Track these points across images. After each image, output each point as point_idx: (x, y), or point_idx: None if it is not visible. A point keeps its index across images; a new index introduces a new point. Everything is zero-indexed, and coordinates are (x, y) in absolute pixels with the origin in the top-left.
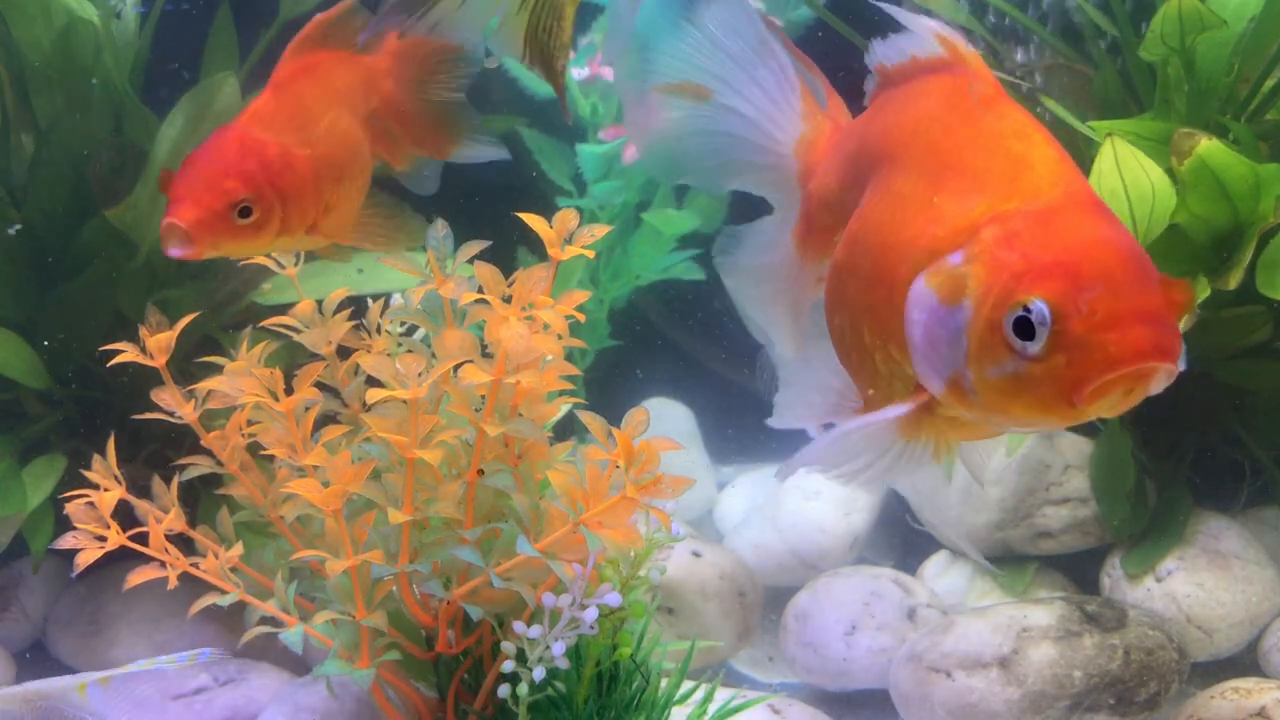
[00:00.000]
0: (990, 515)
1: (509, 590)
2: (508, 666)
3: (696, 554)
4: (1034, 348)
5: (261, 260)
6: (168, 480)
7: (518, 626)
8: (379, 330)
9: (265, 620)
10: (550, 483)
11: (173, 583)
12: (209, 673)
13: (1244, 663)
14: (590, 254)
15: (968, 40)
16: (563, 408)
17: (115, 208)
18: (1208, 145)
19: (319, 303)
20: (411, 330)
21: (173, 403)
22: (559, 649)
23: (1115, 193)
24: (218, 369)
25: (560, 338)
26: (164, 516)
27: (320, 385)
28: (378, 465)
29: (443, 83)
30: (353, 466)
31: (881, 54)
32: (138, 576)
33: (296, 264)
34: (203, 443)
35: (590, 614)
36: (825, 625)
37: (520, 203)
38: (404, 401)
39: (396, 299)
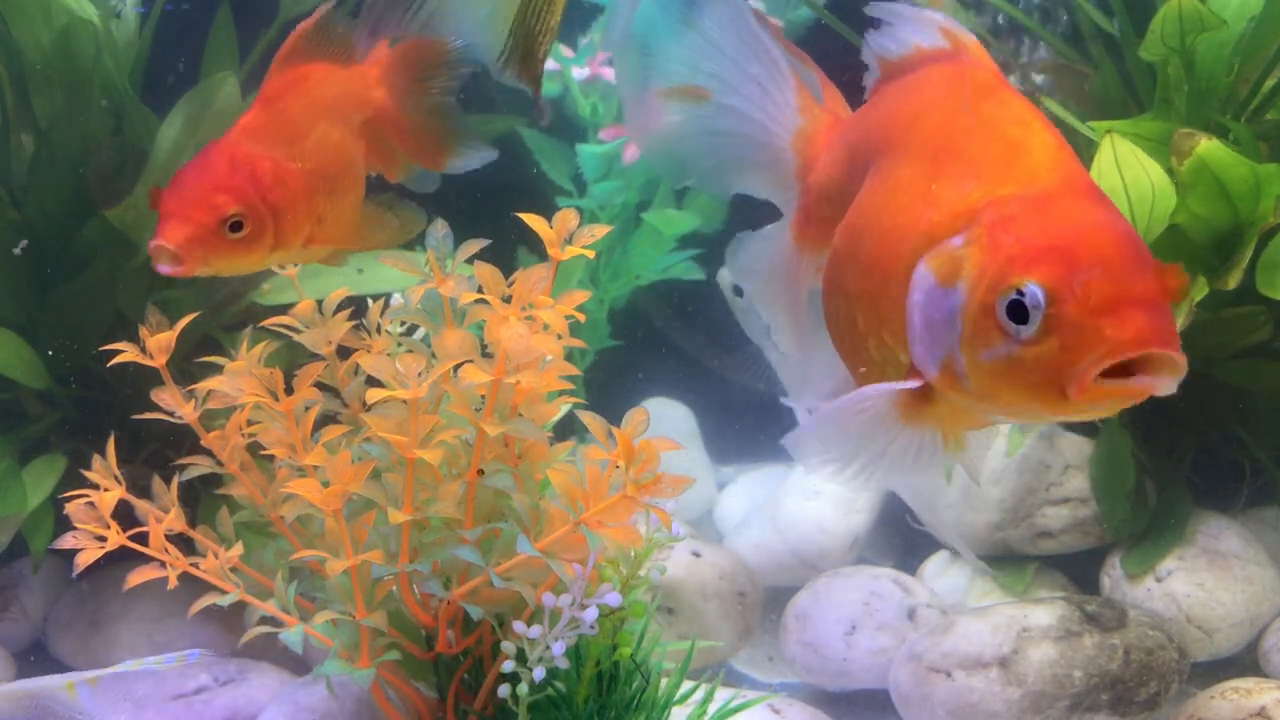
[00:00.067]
0: (990, 515)
1: (509, 590)
2: (508, 666)
3: (696, 554)
4: (1027, 331)
5: None
6: (168, 480)
7: (518, 626)
8: (379, 330)
9: (265, 620)
10: (550, 483)
11: (173, 583)
12: (209, 673)
13: (1244, 663)
14: (590, 254)
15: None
16: (563, 408)
17: (115, 208)
18: (1208, 145)
19: (319, 303)
20: (411, 330)
21: (173, 403)
22: (559, 649)
23: (1115, 191)
24: (218, 369)
25: (560, 338)
26: (164, 516)
27: (320, 385)
28: (378, 465)
29: (434, 88)
30: (353, 466)
31: (883, 46)
32: (138, 576)
33: (296, 264)
34: (203, 443)
35: (590, 614)
36: (825, 625)
37: (520, 203)
38: (404, 401)
39: (396, 299)
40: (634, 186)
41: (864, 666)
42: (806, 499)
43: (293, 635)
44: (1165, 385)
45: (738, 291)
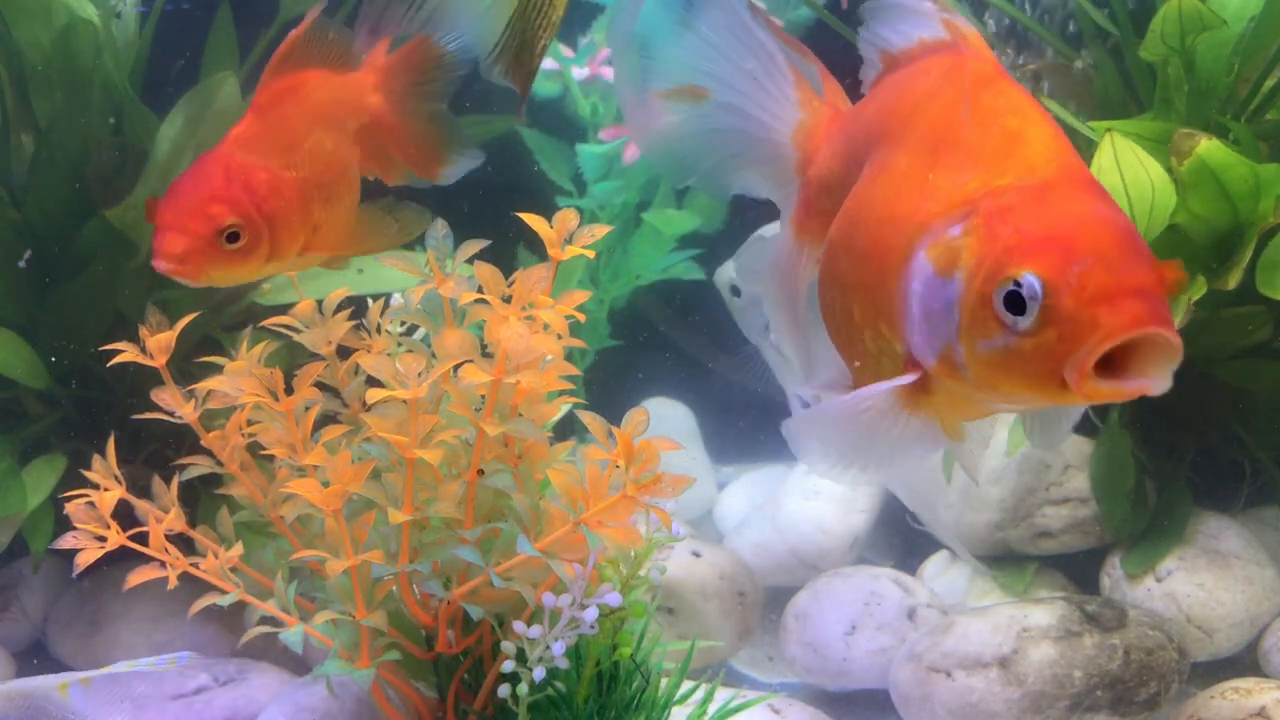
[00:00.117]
0: (990, 515)
1: (509, 590)
2: (508, 666)
3: (696, 554)
4: (1024, 322)
5: None
6: (168, 480)
7: (518, 626)
8: (379, 330)
9: (265, 620)
10: (550, 482)
11: (173, 583)
12: (209, 673)
13: (1244, 663)
14: (590, 254)
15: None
16: (563, 408)
17: (115, 208)
18: (1208, 145)
19: (319, 303)
20: (411, 330)
21: (173, 403)
22: (559, 649)
23: (1115, 190)
24: (218, 369)
25: (560, 338)
26: (164, 516)
27: (320, 385)
28: (378, 465)
29: (431, 94)
30: (353, 466)
31: (884, 39)
32: (138, 576)
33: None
34: (203, 443)
35: (590, 614)
36: (825, 625)
37: (520, 203)
38: (404, 401)
39: (396, 299)
40: (634, 186)
41: (864, 666)
42: (806, 499)
43: (293, 635)
44: (1160, 383)
45: (735, 291)
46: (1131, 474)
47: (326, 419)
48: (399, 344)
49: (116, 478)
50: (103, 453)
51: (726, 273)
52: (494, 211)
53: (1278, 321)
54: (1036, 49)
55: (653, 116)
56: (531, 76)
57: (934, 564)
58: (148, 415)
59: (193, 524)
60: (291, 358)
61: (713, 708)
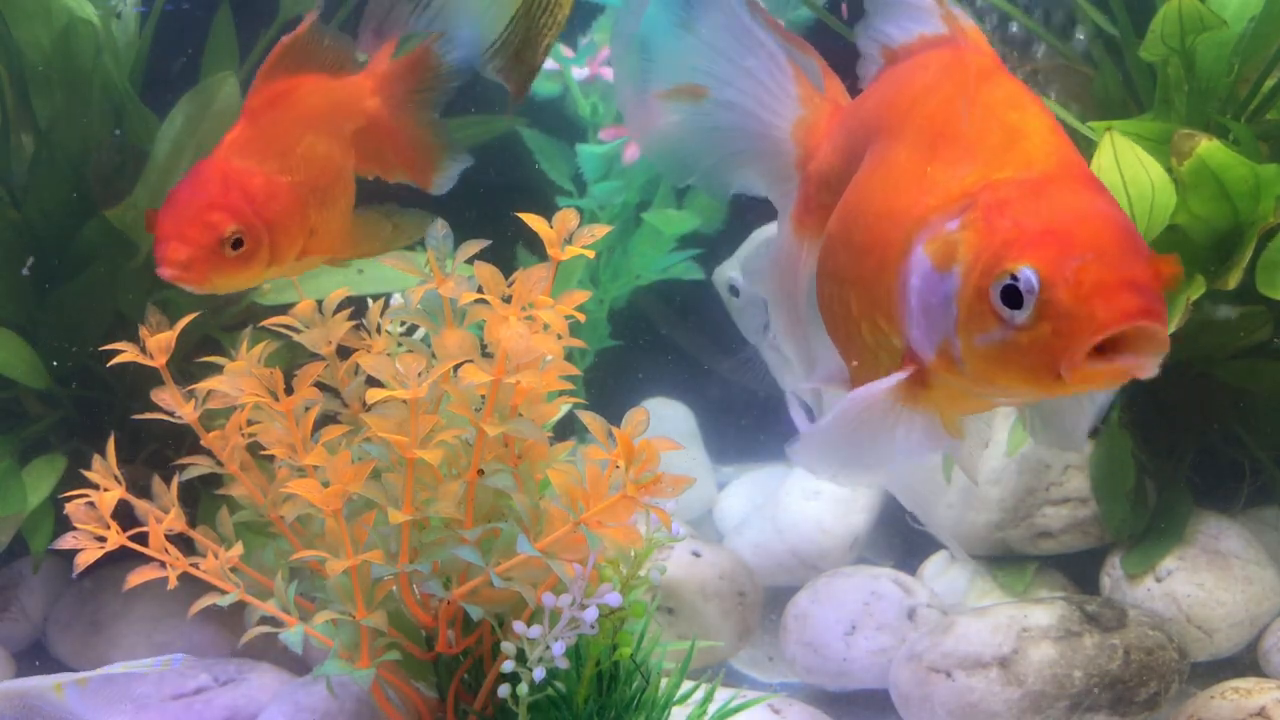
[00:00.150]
0: (990, 515)
1: (509, 590)
2: (508, 666)
3: (696, 554)
4: (1021, 316)
5: None
6: (168, 480)
7: (518, 626)
8: (379, 330)
9: (265, 620)
10: (550, 482)
11: (173, 583)
12: (209, 673)
13: (1244, 663)
14: (590, 254)
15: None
16: (563, 408)
17: (115, 208)
18: (1208, 146)
19: (319, 303)
20: (411, 330)
21: (173, 403)
22: (559, 649)
23: (1114, 189)
24: (218, 369)
25: (560, 338)
26: (164, 516)
27: (320, 385)
28: (378, 465)
29: (427, 102)
30: (353, 466)
31: (885, 34)
32: (138, 576)
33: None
34: (203, 443)
35: (590, 614)
36: (825, 625)
37: (520, 203)
38: (404, 401)
39: (396, 299)
40: (634, 186)
41: (864, 666)
42: (806, 499)
43: (293, 635)
44: (1149, 365)
45: (733, 291)
46: (1131, 474)
47: (326, 419)
48: (399, 344)
49: (116, 478)
50: (103, 453)
51: (724, 272)
52: (494, 211)
53: (1278, 321)
54: (1030, 49)
55: (653, 117)
56: (534, 74)
57: (934, 564)
58: (148, 415)
59: (193, 524)
60: (291, 358)
61: (713, 708)
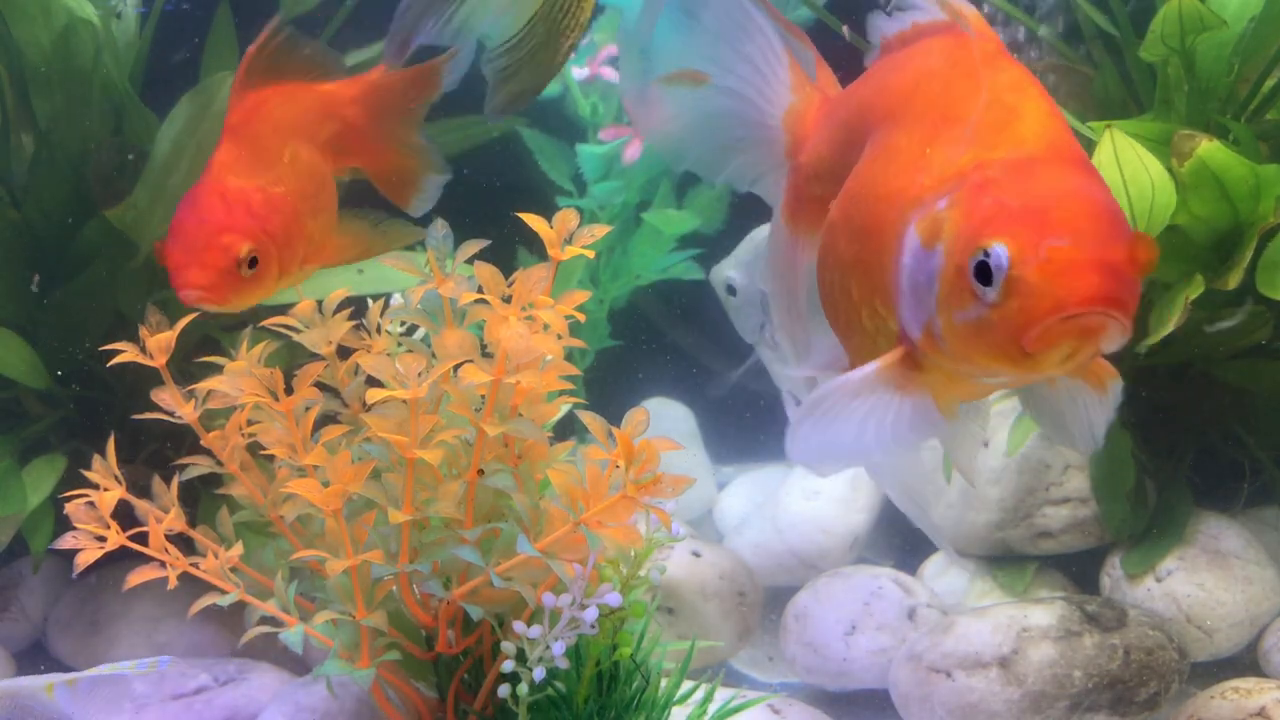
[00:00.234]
0: (990, 515)
1: (509, 590)
2: (508, 666)
3: (696, 554)
4: (992, 294)
5: None
6: (168, 480)
7: (518, 626)
8: (379, 330)
9: (265, 620)
10: (550, 483)
11: (173, 583)
12: (209, 673)
13: (1244, 663)
14: (590, 254)
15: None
16: (563, 408)
17: (115, 208)
18: (1208, 146)
19: (319, 303)
20: (411, 330)
21: (173, 403)
22: (559, 649)
23: (1114, 188)
24: (218, 369)
25: (560, 338)
26: (164, 516)
27: (320, 385)
28: (378, 465)
29: (414, 120)
30: (353, 466)
31: (884, 25)
32: (138, 576)
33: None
34: (203, 443)
35: (590, 614)
36: (825, 625)
37: (520, 203)
38: (404, 401)
39: (396, 299)
40: (634, 186)
41: (864, 666)
42: (806, 499)
43: (293, 635)
44: (1112, 337)
45: (730, 290)
46: (1131, 474)
47: (326, 419)
48: (399, 344)
49: (116, 478)
50: (103, 453)
51: (722, 272)
52: (494, 211)
53: (1278, 321)
54: (1024, 51)
55: (655, 102)
56: (553, 74)
57: (934, 564)
58: (148, 415)
59: (193, 524)
60: (291, 358)
61: (713, 708)
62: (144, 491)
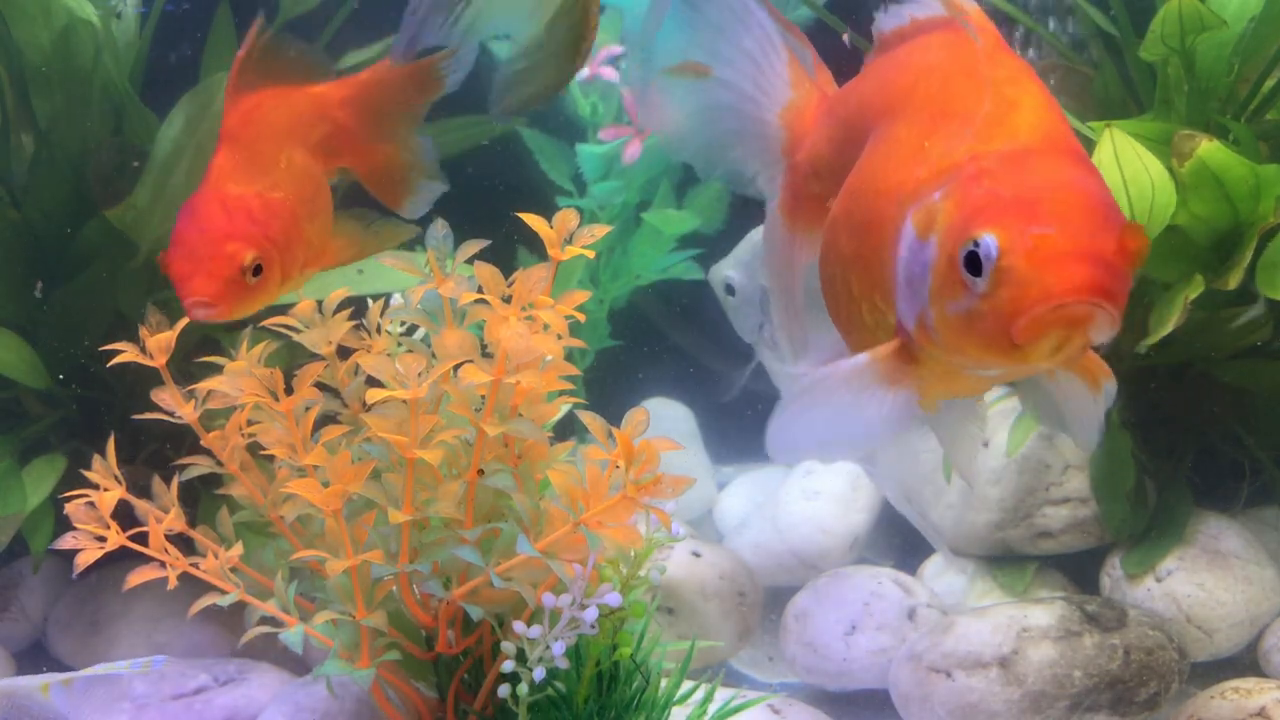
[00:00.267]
0: (990, 515)
1: (509, 590)
2: (508, 666)
3: (696, 554)
4: (982, 284)
5: None
6: (168, 480)
7: (518, 626)
8: (379, 330)
9: (265, 620)
10: (550, 483)
11: (173, 583)
12: (209, 673)
13: (1244, 663)
14: (590, 254)
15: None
16: (563, 408)
17: (115, 208)
18: (1208, 146)
19: (319, 303)
20: (411, 330)
21: (173, 403)
22: (559, 649)
23: (1114, 187)
24: (218, 369)
25: (560, 338)
26: (164, 516)
27: (320, 385)
28: (378, 465)
29: (410, 120)
30: (353, 466)
31: (882, 23)
32: (138, 576)
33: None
34: (203, 443)
35: (590, 614)
36: (825, 625)
37: (520, 203)
38: (404, 401)
39: (396, 299)
40: (634, 186)
41: (864, 666)
42: (806, 499)
43: (293, 635)
44: (1100, 327)
45: (729, 290)
46: (1131, 474)
47: (326, 419)
48: (399, 344)
49: (116, 478)
50: (103, 453)
51: (720, 272)
52: (494, 211)
53: (1278, 321)
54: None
55: (658, 93)
56: (571, 76)
57: (934, 564)
58: (148, 415)
59: (193, 524)
60: (291, 358)
61: (713, 708)
62: (144, 491)
